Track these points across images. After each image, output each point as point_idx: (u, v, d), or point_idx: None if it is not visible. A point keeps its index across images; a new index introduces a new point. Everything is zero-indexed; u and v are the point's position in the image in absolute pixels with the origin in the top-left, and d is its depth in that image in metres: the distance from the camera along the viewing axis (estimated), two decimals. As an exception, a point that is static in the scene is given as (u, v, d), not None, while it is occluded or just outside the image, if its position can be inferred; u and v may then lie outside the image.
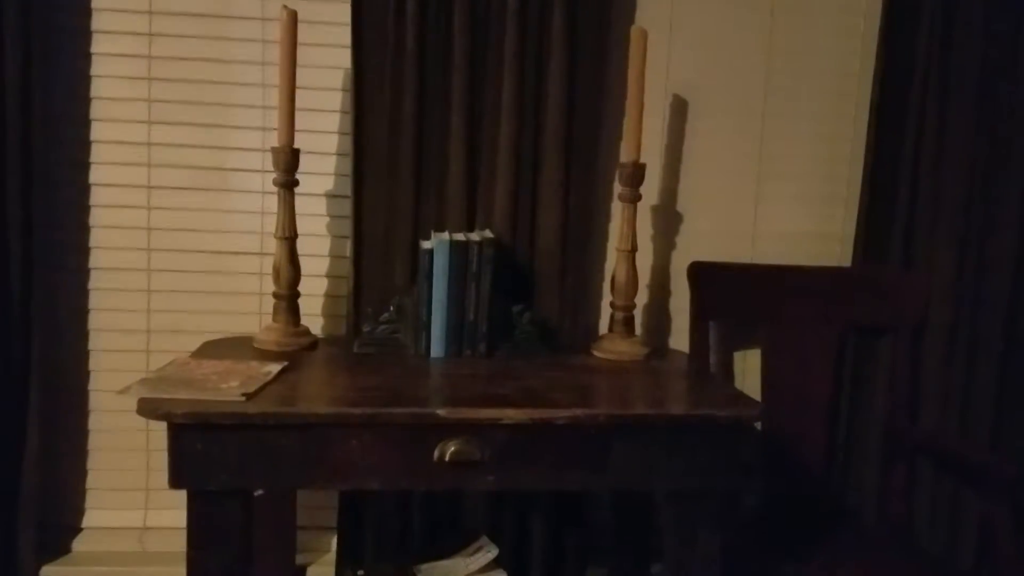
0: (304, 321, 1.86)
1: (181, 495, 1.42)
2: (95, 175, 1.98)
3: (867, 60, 2.09)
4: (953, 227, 2.06)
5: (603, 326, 2.05)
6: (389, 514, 1.99)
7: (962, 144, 2.04)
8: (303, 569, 2.04)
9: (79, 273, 1.99)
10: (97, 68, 1.95)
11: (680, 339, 2.10)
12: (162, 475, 1.43)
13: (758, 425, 1.98)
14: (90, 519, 2.07)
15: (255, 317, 2.03)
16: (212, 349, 1.77)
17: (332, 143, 2.02)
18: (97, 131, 1.97)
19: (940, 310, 2.06)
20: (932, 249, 2.06)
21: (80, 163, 1.97)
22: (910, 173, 2.05)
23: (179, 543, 1.49)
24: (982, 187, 2.06)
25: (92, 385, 2.02)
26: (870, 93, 2.06)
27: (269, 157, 1.80)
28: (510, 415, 1.42)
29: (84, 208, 1.98)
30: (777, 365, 2.01)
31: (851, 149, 2.14)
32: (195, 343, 1.83)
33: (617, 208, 1.95)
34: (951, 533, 2.10)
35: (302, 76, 1.80)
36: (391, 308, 1.84)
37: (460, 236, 1.81)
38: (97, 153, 1.97)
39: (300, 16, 1.76)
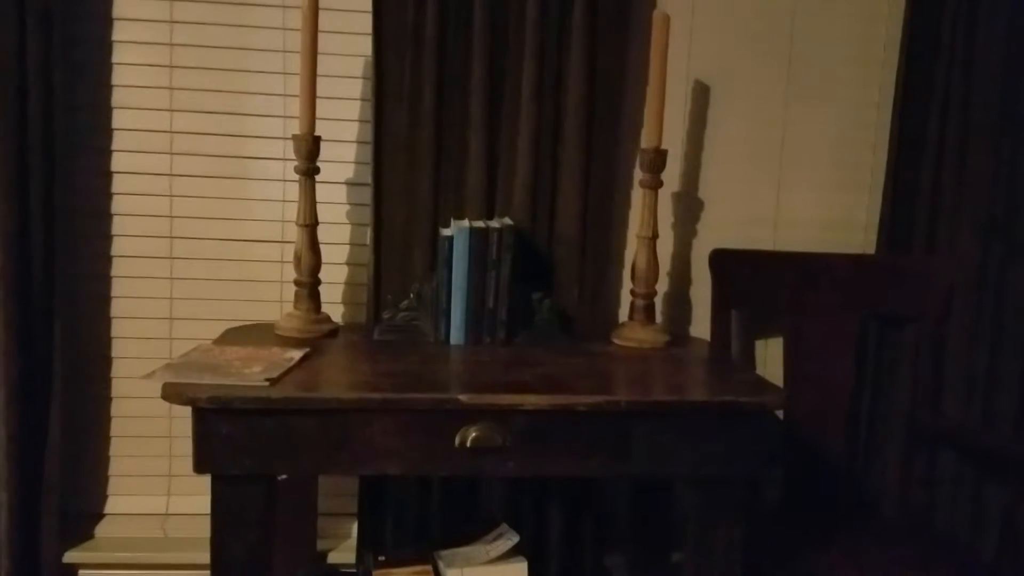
0: (324, 309, 1.87)
1: (203, 482, 1.43)
2: (117, 163, 1.98)
3: (891, 46, 2.07)
4: (977, 214, 2.03)
5: (623, 314, 2.05)
6: (410, 500, 1.99)
7: (987, 130, 2.02)
8: (324, 555, 2.05)
9: (101, 261, 2.00)
10: (118, 56, 1.96)
11: (701, 327, 2.09)
12: (184, 462, 1.45)
13: (780, 413, 1.97)
14: (113, 505, 2.08)
15: (276, 305, 2.03)
16: (234, 336, 1.78)
17: (353, 131, 2.02)
18: (118, 119, 1.97)
19: (964, 298, 2.04)
20: (956, 236, 2.04)
21: (102, 151, 1.97)
22: (934, 160, 2.03)
23: (201, 529, 1.51)
24: (1007, 174, 2.03)
25: (115, 372, 2.04)
26: (894, 79, 2.04)
27: (290, 145, 1.80)
28: (531, 401, 1.42)
29: (106, 196, 1.99)
30: (799, 353, 2.00)
31: (875, 135, 2.12)
32: (217, 330, 1.84)
33: (638, 195, 1.94)
34: (973, 523, 2.08)
35: (323, 64, 1.80)
36: (411, 295, 1.84)
37: (480, 223, 1.81)
38: (118, 141, 1.98)
39: (321, 4, 1.76)
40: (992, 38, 2.00)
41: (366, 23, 1.91)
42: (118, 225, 2.00)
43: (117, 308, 2.02)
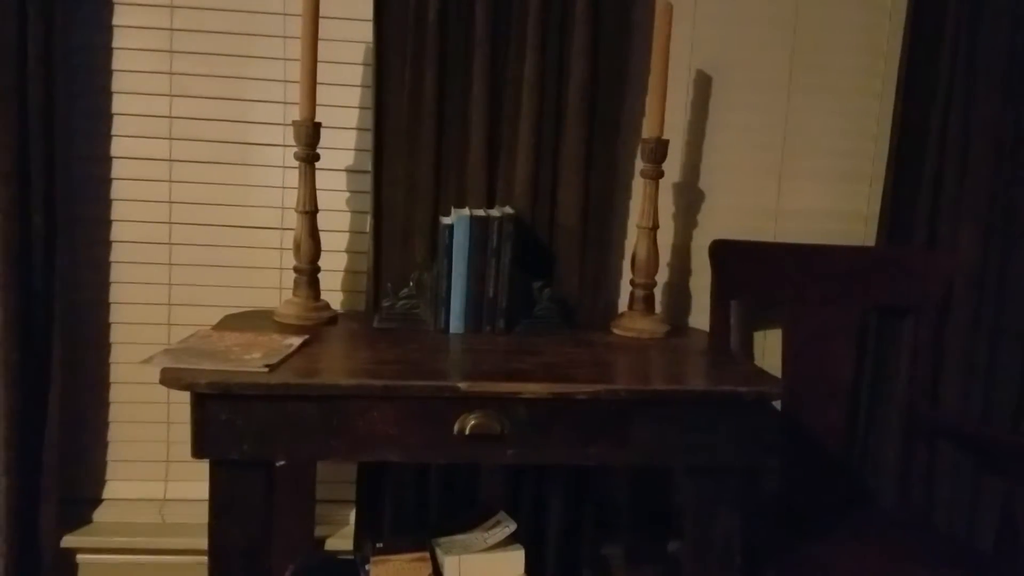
0: (324, 296, 1.87)
1: (201, 468, 1.43)
2: (116, 148, 1.98)
3: (894, 36, 2.06)
4: (979, 206, 2.02)
5: (623, 304, 2.05)
6: (408, 488, 1.99)
7: (989, 121, 2.01)
8: (322, 542, 2.06)
9: (100, 246, 2.00)
10: (118, 40, 1.95)
11: (700, 318, 2.08)
12: (182, 447, 1.44)
13: (778, 405, 1.97)
14: (111, 491, 2.08)
15: (275, 292, 2.03)
16: (233, 322, 1.78)
17: (353, 117, 2.02)
18: (118, 104, 1.96)
19: (964, 290, 2.03)
20: (957, 228, 2.03)
21: (101, 136, 1.97)
22: (936, 151, 2.02)
23: (199, 515, 1.51)
24: (1009, 165, 2.03)
25: (113, 358, 2.03)
26: (896, 69, 2.03)
27: (290, 131, 1.80)
28: (531, 389, 1.42)
29: (105, 181, 1.98)
30: (798, 345, 2.00)
31: (877, 126, 2.12)
32: (216, 317, 1.84)
33: (639, 185, 1.94)
34: (971, 516, 2.09)
35: (323, 50, 1.79)
36: (411, 283, 1.84)
37: (480, 212, 1.80)
38: (118, 126, 1.97)
39: (322, -12, 1.75)
40: (996, 30, 1.99)
41: (367, 9, 1.90)
42: (117, 210, 1.99)
43: (116, 293, 2.02)
